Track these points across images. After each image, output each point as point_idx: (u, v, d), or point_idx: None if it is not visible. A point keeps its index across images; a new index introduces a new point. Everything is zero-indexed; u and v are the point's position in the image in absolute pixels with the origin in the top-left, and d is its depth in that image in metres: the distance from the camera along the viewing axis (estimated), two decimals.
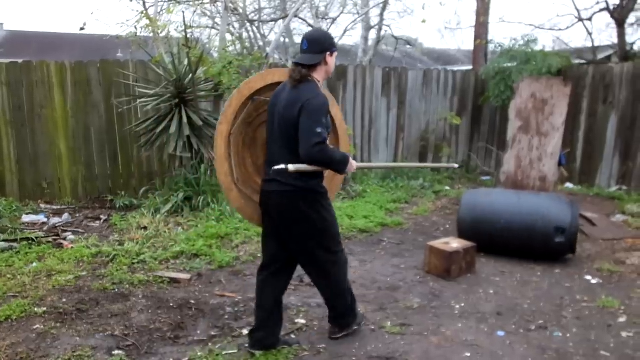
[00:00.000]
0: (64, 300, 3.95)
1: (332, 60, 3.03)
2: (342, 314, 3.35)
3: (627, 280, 4.52)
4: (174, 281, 4.33)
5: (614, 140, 7.94)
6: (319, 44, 2.98)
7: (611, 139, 7.97)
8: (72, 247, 5.09)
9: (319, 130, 2.79)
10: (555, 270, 4.75)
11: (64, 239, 5.46)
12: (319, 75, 3.01)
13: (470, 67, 10.92)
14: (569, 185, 8.26)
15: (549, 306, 3.96)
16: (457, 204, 5.38)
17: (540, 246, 4.84)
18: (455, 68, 12.43)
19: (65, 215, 6.27)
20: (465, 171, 9.66)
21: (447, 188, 8.32)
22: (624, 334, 3.50)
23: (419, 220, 6.49)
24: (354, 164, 3.07)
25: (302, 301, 3.98)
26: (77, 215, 6.42)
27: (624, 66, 7.91)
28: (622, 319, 3.73)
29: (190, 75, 6.40)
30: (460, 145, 9.75)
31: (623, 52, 9.44)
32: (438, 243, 4.69)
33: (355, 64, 11.28)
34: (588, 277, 4.57)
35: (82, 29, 7.67)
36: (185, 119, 6.25)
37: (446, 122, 9.29)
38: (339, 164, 2.94)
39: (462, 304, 3.97)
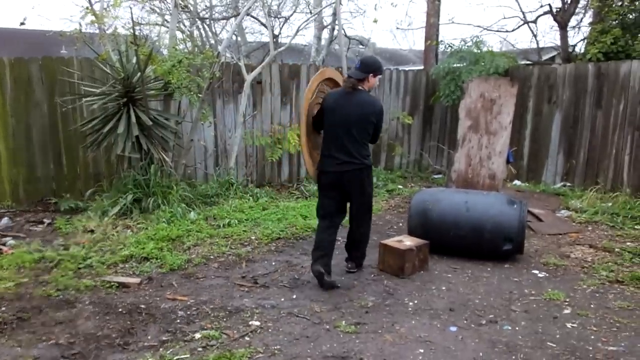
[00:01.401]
0: (3, 308, 3.76)
1: (374, 80, 4.38)
2: (363, 254, 4.71)
3: (571, 273, 4.71)
4: (122, 286, 4.21)
5: (559, 138, 8.25)
6: (367, 67, 4.34)
7: (556, 138, 8.28)
8: (12, 253, 4.86)
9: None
10: (505, 265, 4.89)
11: (4, 244, 5.21)
12: (365, 87, 4.35)
13: (421, 67, 11.11)
14: (516, 182, 8.53)
15: (499, 300, 4.07)
16: (410, 202, 5.44)
17: (489, 251, 4.95)
18: (407, 68, 12.62)
19: (5, 220, 5.98)
20: (417, 170, 9.82)
21: (400, 187, 8.43)
22: (568, 325, 3.64)
23: (373, 219, 6.51)
24: None
25: (256, 303, 3.94)
26: (18, 219, 6.14)
27: (566, 67, 8.23)
28: (567, 311, 3.88)
29: (139, 74, 6.23)
30: (412, 144, 9.91)
31: (566, 53, 9.81)
32: (391, 241, 4.74)
33: (308, 63, 11.28)
34: (535, 272, 4.73)
35: (22, 23, 7.36)
36: (133, 119, 6.09)
37: (399, 122, 9.43)
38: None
39: (416, 301, 4.03)
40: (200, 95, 6.81)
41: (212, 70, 6.90)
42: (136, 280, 4.31)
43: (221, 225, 5.83)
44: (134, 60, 6.34)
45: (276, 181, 8.34)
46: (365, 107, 4.30)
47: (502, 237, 4.84)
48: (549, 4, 10.02)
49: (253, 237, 5.55)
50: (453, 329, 3.57)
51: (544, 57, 11.81)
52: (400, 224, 6.26)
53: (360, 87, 4.33)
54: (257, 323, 3.60)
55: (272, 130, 8.01)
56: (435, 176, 9.38)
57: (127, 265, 4.67)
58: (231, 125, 7.80)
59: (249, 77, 7.50)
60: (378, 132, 4.47)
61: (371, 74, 4.35)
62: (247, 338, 3.38)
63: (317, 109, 4.51)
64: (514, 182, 8.49)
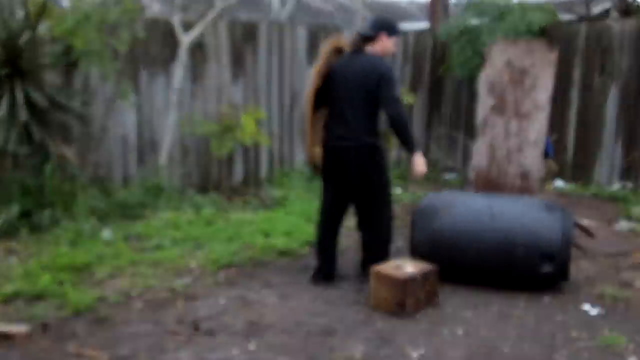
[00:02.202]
0: None
1: (388, 42, 4.96)
2: (375, 259, 4.85)
3: (637, 308, 4.74)
4: (3, 337, 4.09)
5: (615, 122, 8.35)
6: (376, 24, 5.03)
7: (612, 121, 8.38)
8: None
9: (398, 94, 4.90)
10: (544, 298, 4.90)
11: None
12: (375, 48, 4.93)
13: (426, 26, 11.14)
14: (558, 183, 8.60)
15: (537, 348, 4.06)
16: (412, 212, 5.43)
17: (522, 277, 4.98)
18: (408, 26, 12.66)
19: None
20: None
21: (399, 191, 8.43)
22: None
23: None
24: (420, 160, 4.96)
25: (198, 357, 3.87)
26: None
27: (625, 24, 8.33)
28: None
29: (28, 33, 6.13)
30: (414, 132, 9.92)
31: (624, 4, 9.93)
32: (387, 267, 4.71)
33: (270, 20, 11.23)
34: (586, 307, 4.75)
35: None
36: (20, 98, 5.99)
37: None
38: (410, 133, 4.93)
39: (422, 351, 4.00)
40: (116, 65, 6.72)
41: (134, 29, 6.81)
42: (24, 328, 4.19)
43: (148, 248, 5.77)
44: (21, 14, 6.23)
45: (226, 185, 8.29)
46: (365, 69, 4.83)
47: (538, 254, 4.86)
48: None
49: (193, 265, 5.50)
50: None
51: (595, 10, 11.96)
52: (400, 243, 6.24)
53: (369, 48, 4.93)
54: None
55: (219, 114, 7.94)
56: (447, 176, 9.42)
57: (10, 308, 4.56)
58: (161, 107, 7.72)
59: (186, 39, 7.43)
60: (389, 98, 4.79)
61: (383, 32, 4.93)
62: None
63: (318, 82, 5.04)
64: (554, 184, 8.56)
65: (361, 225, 5.23)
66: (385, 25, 4.97)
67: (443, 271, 4.84)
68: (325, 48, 5.17)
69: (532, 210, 5.05)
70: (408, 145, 4.93)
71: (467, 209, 5.17)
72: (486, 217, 5.02)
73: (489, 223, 4.99)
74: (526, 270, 4.92)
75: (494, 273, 5.02)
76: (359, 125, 4.84)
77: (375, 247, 5.12)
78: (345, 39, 5.40)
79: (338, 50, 5.20)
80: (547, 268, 4.87)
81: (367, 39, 4.92)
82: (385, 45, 4.94)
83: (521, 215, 5.00)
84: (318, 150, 5.13)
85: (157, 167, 7.46)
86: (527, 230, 4.89)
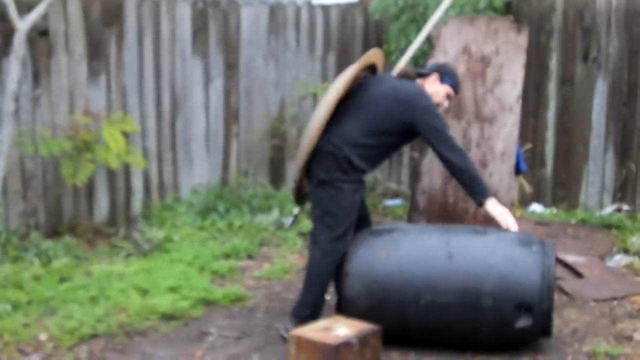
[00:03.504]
0: None
1: (438, 86, 5.45)
2: (302, 305, 5.39)
3: None
4: None
5: (605, 124, 8.57)
6: (434, 65, 5.81)
7: (600, 123, 8.60)
8: None
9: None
10: None
11: None
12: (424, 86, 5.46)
13: None
14: (535, 207, 8.77)
15: None
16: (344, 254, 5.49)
17: (492, 335, 5.05)
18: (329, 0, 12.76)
19: None
20: None
21: None
22: None
23: (275, 289, 6.58)
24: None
25: None
26: None
27: None
28: None
29: None
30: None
31: None
32: (312, 330, 4.68)
33: None
34: None
35: None
36: None
37: (316, 101, 9.50)
38: (473, 173, 5.37)
39: None
40: None
41: None
42: None
43: None
44: None
45: (86, 225, 8.18)
46: (391, 91, 5.35)
47: (512, 304, 4.93)
48: None
49: (43, 337, 5.40)
50: None
51: None
52: (328, 296, 6.27)
53: (416, 81, 5.51)
54: None
55: (73, 126, 7.83)
56: (389, 202, 9.47)
57: None
58: None
59: (23, 24, 7.32)
60: (435, 134, 5.26)
61: (437, 74, 5.49)
62: None
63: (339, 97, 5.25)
64: (530, 208, 8.73)
65: None
66: (441, 69, 5.57)
67: (388, 332, 4.84)
68: (356, 64, 5.42)
69: (501, 245, 5.11)
70: (474, 192, 5.32)
71: (416, 247, 5.22)
72: (442, 257, 5.07)
73: (446, 265, 5.03)
74: (496, 326, 4.98)
75: (454, 331, 5.07)
76: (348, 134, 5.22)
77: (300, 300, 5.46)
78: (381, 55, 5.84)
79: (371, 68, 5.65)
80: (523, 322, 4.93)
81: (418, 75, 5.54)
82: (434, 88, 5.40)
83: (488, 253, 5.06)
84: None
85: None
86: (495, 273, 4.95)
